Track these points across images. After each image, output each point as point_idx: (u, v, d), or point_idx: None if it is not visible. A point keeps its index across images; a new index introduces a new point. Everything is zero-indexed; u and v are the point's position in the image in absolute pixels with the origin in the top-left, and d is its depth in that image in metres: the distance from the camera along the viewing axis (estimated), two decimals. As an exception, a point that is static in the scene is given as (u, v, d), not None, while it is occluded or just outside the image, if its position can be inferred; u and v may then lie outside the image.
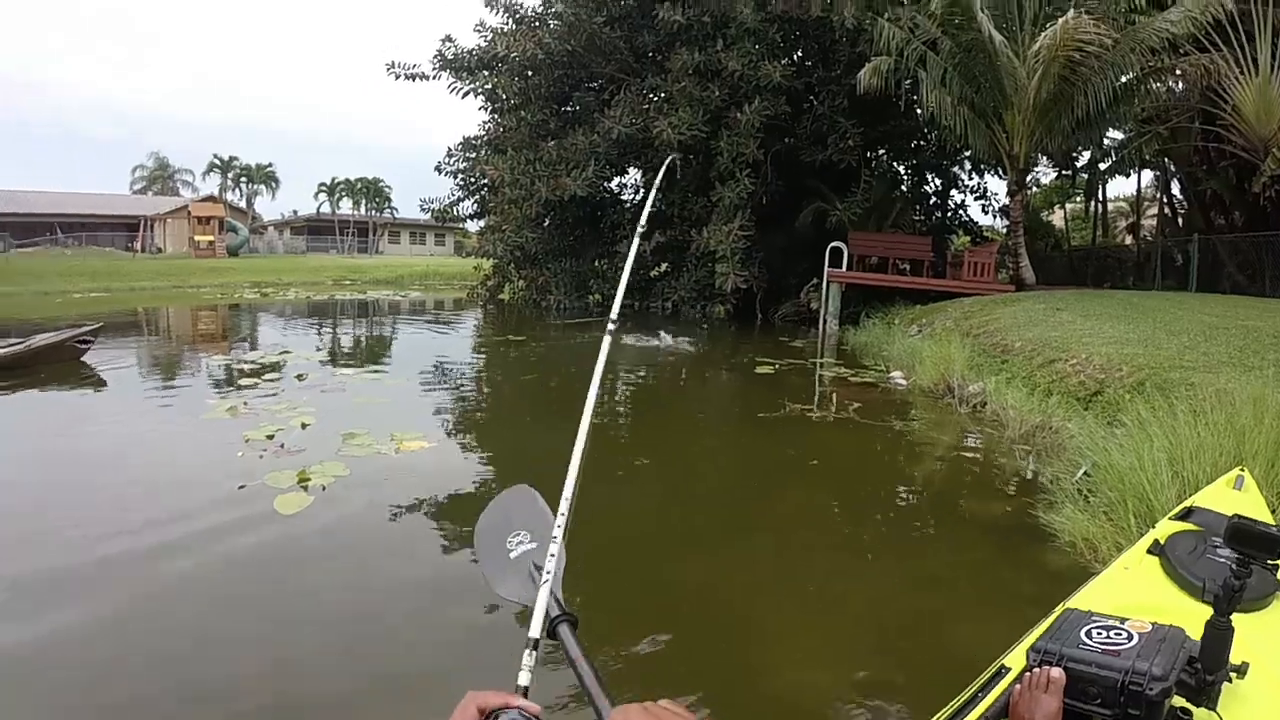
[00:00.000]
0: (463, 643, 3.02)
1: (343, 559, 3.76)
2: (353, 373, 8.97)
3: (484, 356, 12.04)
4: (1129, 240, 24.67)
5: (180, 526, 3.96)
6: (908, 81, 14.17)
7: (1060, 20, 10.73)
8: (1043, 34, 11.17)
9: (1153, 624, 1.47)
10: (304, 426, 5.95)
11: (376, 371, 9.47)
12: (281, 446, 5.32)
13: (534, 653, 1.45)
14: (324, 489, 4.47)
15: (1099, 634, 1.46)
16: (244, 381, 7.93)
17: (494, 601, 3.19)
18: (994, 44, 11.70)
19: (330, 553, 3.82)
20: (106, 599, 3.25)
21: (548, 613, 2.04)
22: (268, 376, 8.28)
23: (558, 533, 2.40)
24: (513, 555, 2.41)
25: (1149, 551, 1.99)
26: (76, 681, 2.71)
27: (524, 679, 1.35)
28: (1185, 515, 2.16)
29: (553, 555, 2.31)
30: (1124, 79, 12.29)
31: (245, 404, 6.67)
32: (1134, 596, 1.82)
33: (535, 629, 1.53)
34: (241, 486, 4.49)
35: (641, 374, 10.17)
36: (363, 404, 7.11)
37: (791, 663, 2.93)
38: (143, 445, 5.77)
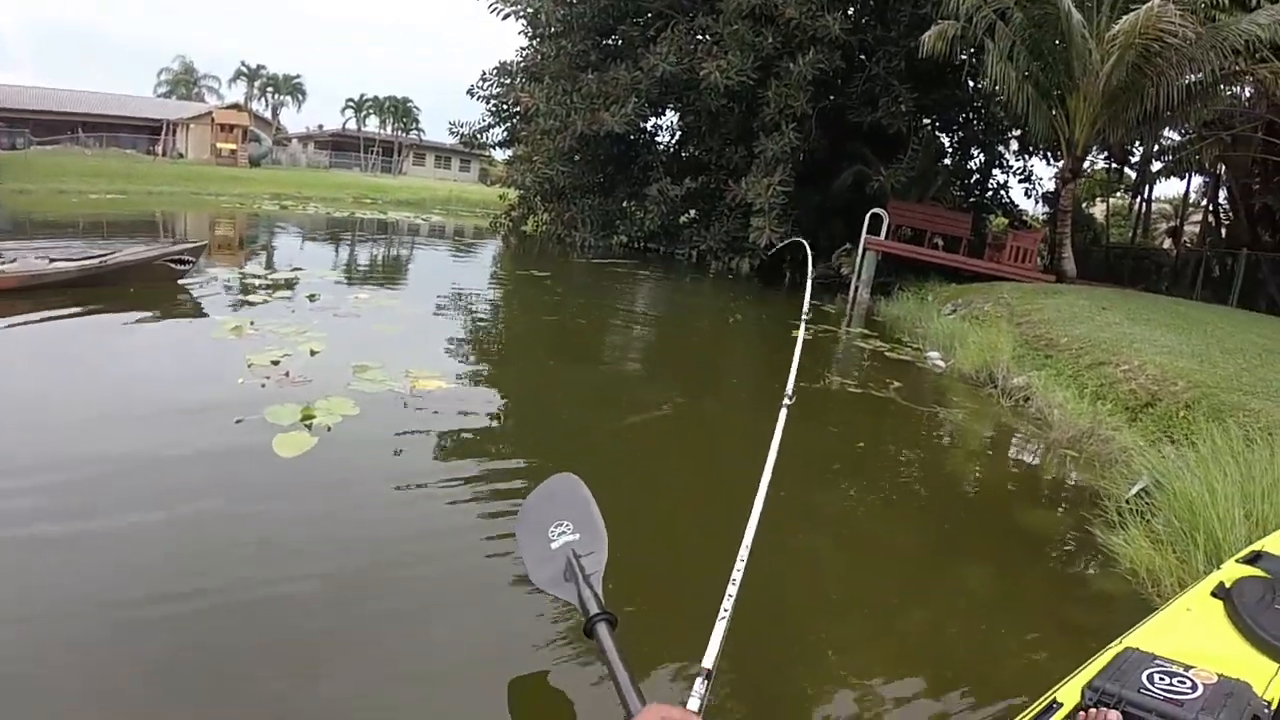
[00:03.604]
0: (473, 630, 2.69)
1: (341, 519, 3.31)
2: (368, 297, 8.61)
3: (505, 291, 11.68)
4: (1168, 244, 24.14)
5: (161, 467, 3.52)
6: (969, 51, 13.50)
7: (1145, 6, 10.07)
8: (1123, 18, 10.51)
9: (1219, 676, 1.41)
10: (313, 353, 5.59)
11: (393, 298, 9.11)
12: (286, 375, 4.94)
13: (706, 683, 1.41)
14: (329, 430, 4.07)
15: (1161, 680, 1.40)
16: (253, 298, 7.54)
17: (511, 588, 2.89)
18: (1070, 21, 11.04)
19: (329, 510, 3.39)
20: (66, 539, 2.89)
21: (586, 610, 1.83)
22: (279, 295, 7.91)
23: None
24: (554, 545, 2.16)
25: (1213, 594, 1.91)
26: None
27: (694, 704, 1.35)
28: (1253, 559, 2.10)
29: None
30: (1195, 78, 11.65)
31: (252, 324, 6.27)
32: (1196, 642, 1.73)
33: (709, 659, 1.48)
34: (239, 420, 4.09)
35: (677, 329, 9.80)
36: (377, 332, 6.76)
37: (816, 677, 2.64)
38: (133, 364, 5.26)
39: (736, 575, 1.70)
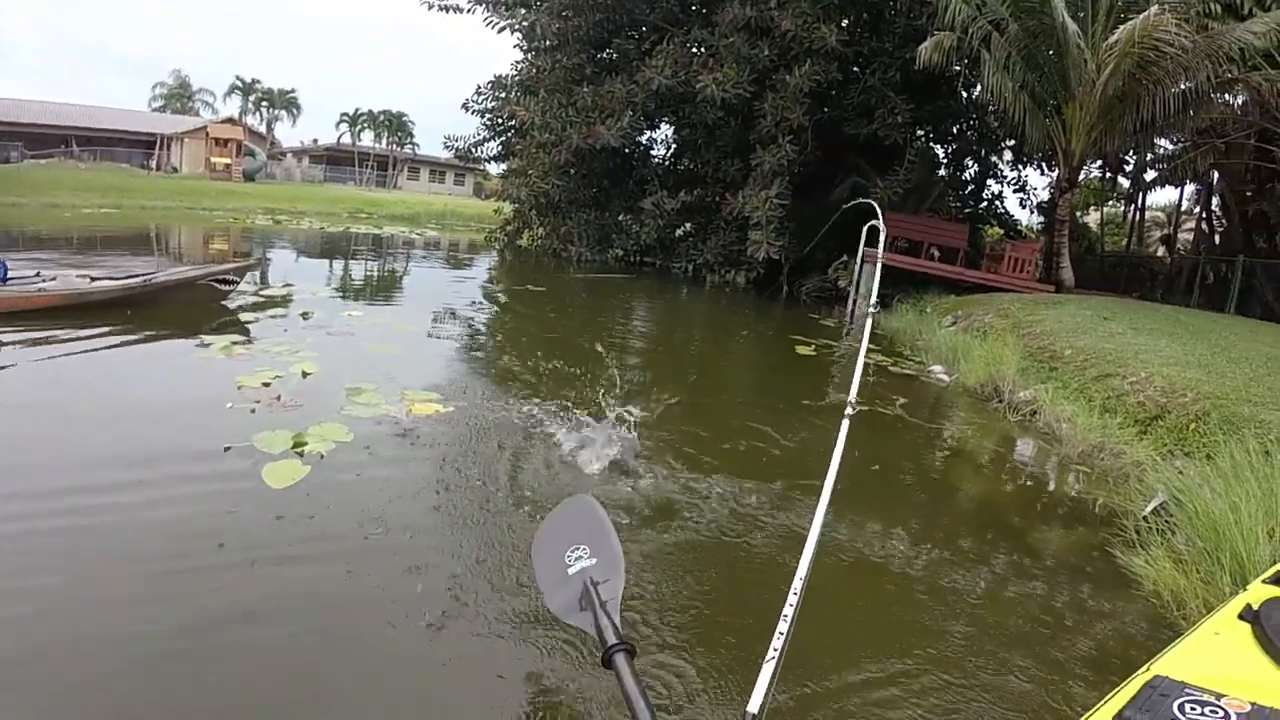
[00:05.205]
0: (481, 663, 2.53)
1: (336, 555, 3.11)
2: (362, 314, 8.47)
3: (502, 307, 11.53)
4: (1162, 252, 24.26)
5: (143, 502, 3.33)
6: (963, 62, 13.53)
7: (1142, 15, 10.08)
8: (1120, 28, 10.52)
9: (1252, 704, 1.36)
10: (305, 375, 5.45)
11: (388, 315, 8.98)
12: (278, 398, 4.79)
13: None
14: (322, 458, 3.92)
15: (1193, 710, 1.36)
16: (245, 316, 7.40)
17: (523, 617, 2.75)
18: (1065, 32, 11.04)
19: (323, 547, 3.17)
20: (43, 578, 2.75)
21: (604, 639, 1.73)
22: (271, 312, 7.77)
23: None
24: (570, 571, 2.08)
25: (1240, 617, 1.84)
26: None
27: None
28: (1279, 580, 2.02)
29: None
30: (1190, 86, 11.67)
31: (244, 343, 6.16)
32: (1225, 668, 1.66)
33: (753, 704, 1.39)
34: (227, 448, 3.93)
35: (682, 345, 9.69)
36: (371, 352, 6.62)
37: (819, 708, 2.50)
38: (120, 388, 5.02)
39: (789, 611, 1.59)
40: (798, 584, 1.68)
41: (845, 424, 2.55)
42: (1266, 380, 6.02)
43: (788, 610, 1.60)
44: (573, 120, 15.63)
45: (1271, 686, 1.55)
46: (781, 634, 1.54)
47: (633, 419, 4.89)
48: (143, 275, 7.24)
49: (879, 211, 6.95)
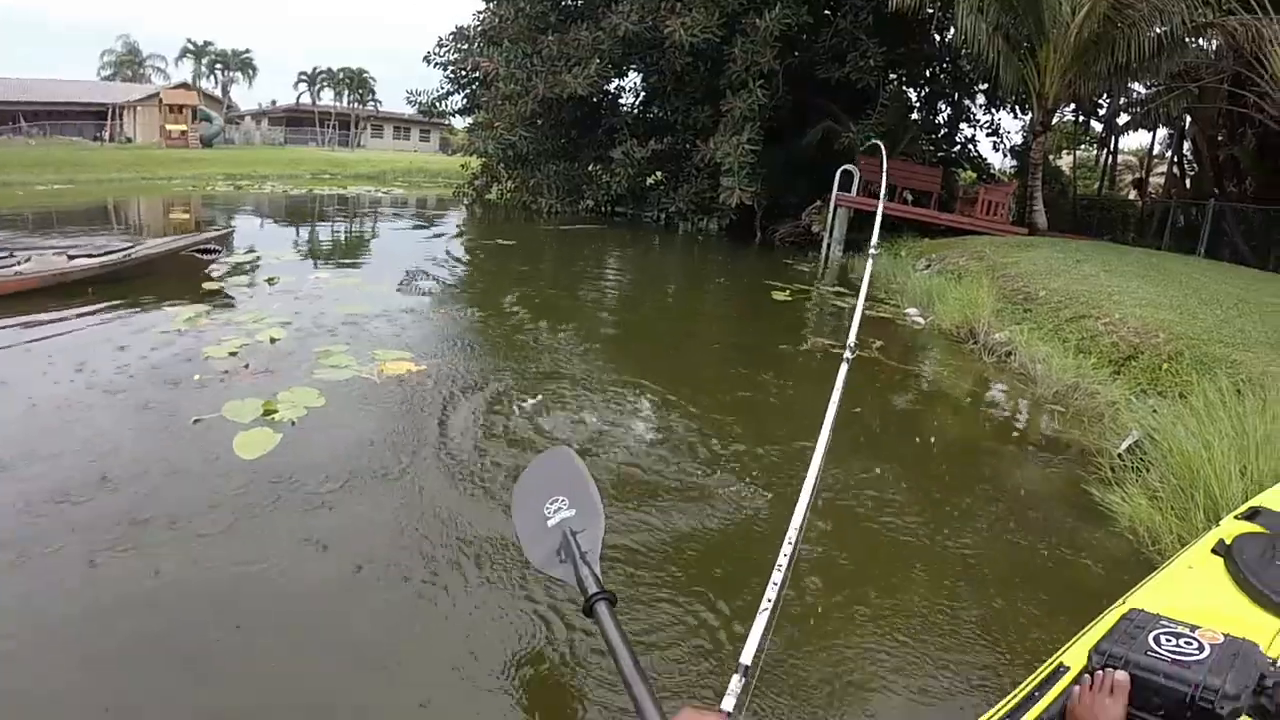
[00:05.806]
0: (465, 621, 2.51)
1: (312, 527, 3.02)
2: (329, 276, 8.31)
3: (473, 262, 11.36)
4: (1133, 195, 24.35)
5: (111, 480, 3.23)
6: (936, 4, 13.31)
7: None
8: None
9: (1225, 635, 1.39)
10: (273, 341, 5.33)
11: (356, 276, 8.80)
12: (246, 367, 4.69)
13: (743, 679, 1.35)
14: (294, 424, 3.83)
15: (1168, 641, 1.39)
16: (208, 285, 7.20)
17: (506, 571, 2.74)
18: (1040, -27, 10.85)
19: (298, 520, 3.06)
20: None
21: (585, 589, 1.75)
22: (235, 280, 7.59)
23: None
24: (550, 522, 2.07)
25: (1213, 551, 1.90)
26: None
27: (729, 704, 1.31)
28: (1251, 515, 2.08)
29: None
30: (1164, 29, 11.56)
31: (208, 313, 6.01)
32: (1198, 600, 1.72)
33: (747, 654, 1.40)
34: (196, 420, 3.82)
35: (656, 295, 9.63)
36: (340, 314, 6.47)
37: (819, 654, 2.52)
38: (81, 363, 4.78)
39: (783, 561, 1.57)
40: (792, 533, 1.66)
41: (844, 368, 2.52)
42: (1237, 321, 6.09)
43: (782, 560, 1.59)
44: (538, 70, 15.26)
45: (1243, 617, 1.60)
46: (775, 584, 1.53)
47: (610, 370, 4.84)
48: (123, 249, 7.09)
49: (882, 152, 6.98)
